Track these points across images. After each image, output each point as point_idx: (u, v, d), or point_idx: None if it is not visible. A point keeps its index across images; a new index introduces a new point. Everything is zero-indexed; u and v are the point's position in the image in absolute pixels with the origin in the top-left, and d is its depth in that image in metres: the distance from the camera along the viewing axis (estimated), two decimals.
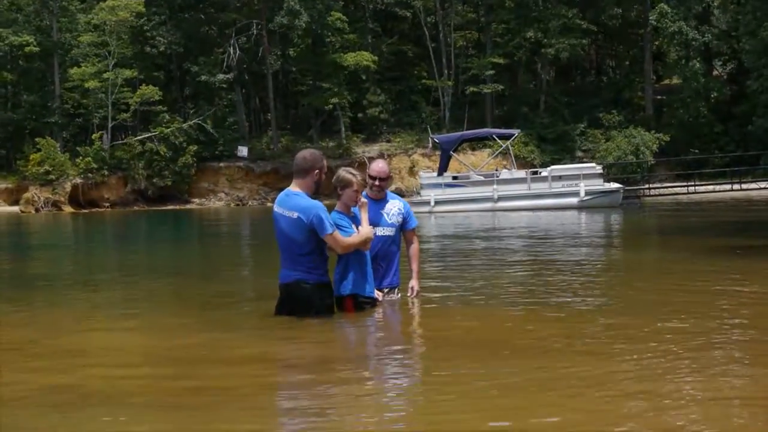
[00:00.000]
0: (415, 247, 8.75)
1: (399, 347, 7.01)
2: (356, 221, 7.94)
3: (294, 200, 7.70)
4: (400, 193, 56.98)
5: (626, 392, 5.18)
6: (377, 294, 8.19)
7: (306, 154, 7.94)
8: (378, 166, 8.59)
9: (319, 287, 7.73)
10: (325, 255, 7.78)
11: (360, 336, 7.53)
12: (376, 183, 8.48)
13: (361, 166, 60.35)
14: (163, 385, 5.78)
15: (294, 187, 7.80)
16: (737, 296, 9.19)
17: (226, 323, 8.12)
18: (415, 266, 8.67)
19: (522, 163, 50.94)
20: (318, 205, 7.63)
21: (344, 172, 8.07)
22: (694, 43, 55.77)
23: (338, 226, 7.71)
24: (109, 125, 62.04)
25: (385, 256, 8.48)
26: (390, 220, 8.50)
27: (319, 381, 5.77)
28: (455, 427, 4.66)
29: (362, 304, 7.99)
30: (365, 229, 7.88)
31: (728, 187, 45.20)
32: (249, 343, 7.32)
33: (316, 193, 7.86)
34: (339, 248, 7.72)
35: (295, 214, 7.62)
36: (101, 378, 6.00)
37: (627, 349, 6.37)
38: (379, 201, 8.51)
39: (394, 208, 8.57)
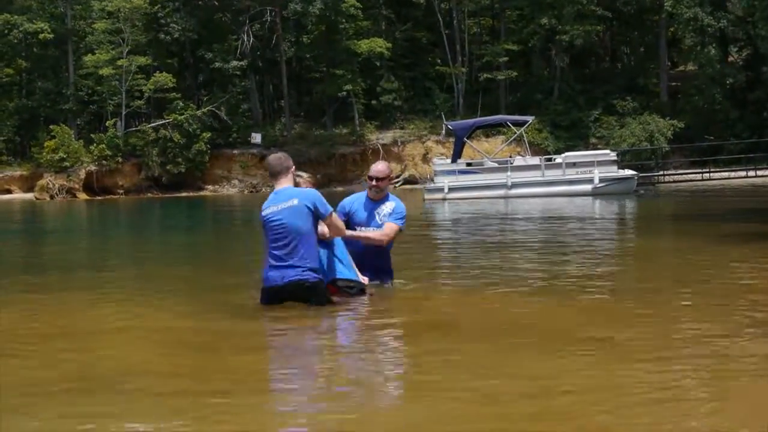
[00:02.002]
0: (384, 231, 8.50)
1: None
2: None
3: (288, 191, 7.81)
4: (414, 180, 57.37)
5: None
6: (362, 278, 8.20)
7: (279, 155, 8.15)
8: (377, 167, 8.71)
9: (319, 282, 7.79)
10: (315, 245, 7.86)
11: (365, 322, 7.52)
12: (374, 183, 8.56)
13: (374, 153, 60.43)
14: (171, 372, 5.78)
15: (281, 185, 7.88)
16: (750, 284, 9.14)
17: (236, 310, 8.11)
18: (368, 234, 8.49)
19: (536, 149, 50.74)
20: (314, 191, 7.90)
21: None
22: (709, 29, 55.38)
23: None
24: (123, 112, 62.14)
25: (376, 255, 8.55)
26: (380, 220, 8.55)
27: (331, 368, 5.77)
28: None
29: (344, 288, 8.03)
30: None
31: (743, 173, 45.01)
32: (258, 330, 7.32)
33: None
34: (337, 229, 7.91)
35: (295, 201, 7.69)
36: (110, 364, 6.00)
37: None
38: (377, 201, 8.60)
39: (387, 208, 8.61)
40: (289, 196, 7.73)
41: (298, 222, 7.63)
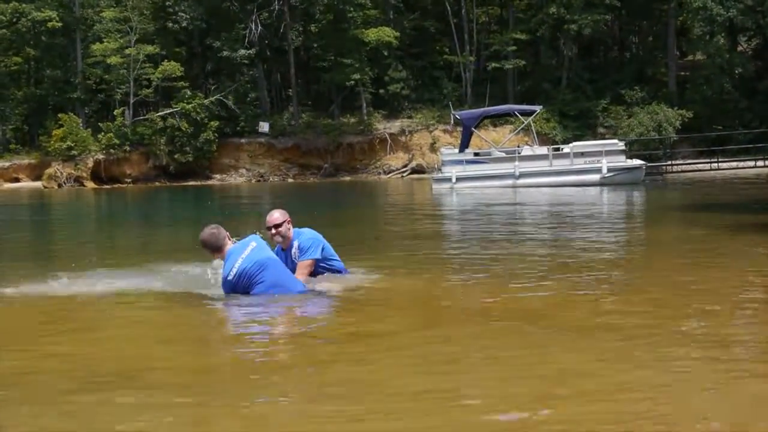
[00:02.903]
0: (299, 272, 8.60)
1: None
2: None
3: (235, 248, 8.10)
4: (422, 170, 57.34)
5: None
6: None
7: (207, 232, 8.21)
8: (273, 216, 8.78)
9: None
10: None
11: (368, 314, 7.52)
12: (272, 232, 8.70)
13: (382, 142, 60.42)
14: (175, 364, 5.78)
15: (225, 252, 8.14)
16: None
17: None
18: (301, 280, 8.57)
19: (544, 139, 50.65)
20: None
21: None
22: (718, 18, 55.14)
23: None
24: (131, 101, 62.21)
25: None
26: (296, 261, 8.68)
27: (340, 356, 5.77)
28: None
29: None
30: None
31: (752, 163, 44.88)
32: (257, 320, 7.33)
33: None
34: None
35: (253, 243, 8.11)
36: (113, 357, 6.01)
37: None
38: (288, 249, 8.75)
39: (294, 249, 8.73)
40: (244, 244, 8.01)
41: (268, 254, 8.05)
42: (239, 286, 7.81)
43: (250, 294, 7.74)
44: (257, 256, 7.84)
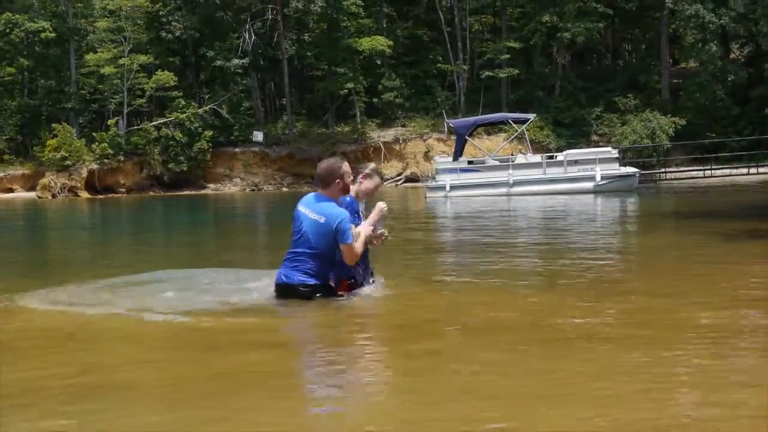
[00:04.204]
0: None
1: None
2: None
3: (322, 206, 7.80)
4: (416, 178, 57.40)
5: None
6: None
7: (324, 165, 7.99)
8: (348, 167, 8.56)
9: (316, 289, 7.79)
10: (333, 262, 7.81)
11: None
12: (360, 181, 8.50)
13: (376, 150, 60.49)
14: (175, 371, 5.80)
15: (322, 193, 7.90)
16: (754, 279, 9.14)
17: (238, 307, 8.12)
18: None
19: (537, 147, 50.81)
20: (345, 214, 7.73)
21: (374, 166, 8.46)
22: (711, 26, 55.38)
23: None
24: (125, 111, 62.26)
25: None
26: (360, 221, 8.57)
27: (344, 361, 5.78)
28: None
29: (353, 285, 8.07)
30: (366, 230, 7.98)
31: (745, 170, 45.01)
32: (260, 327, 7.34)
33: (346, 192, 7.95)
34: (350, 259, 7.77)
35: (323, 219, 7.71)
36: (109, 365, 6.02)
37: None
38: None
39: (361, 207, 8.65)
40: (320, 211, 7.75)
41: (313, 237, 7.74)
42: (293, 218, 7.91)
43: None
44: (307, 230, 7.79)
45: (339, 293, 7.91)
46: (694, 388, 4.93)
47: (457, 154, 38.92)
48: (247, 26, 62.75)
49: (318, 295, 7.77)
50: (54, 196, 58.68)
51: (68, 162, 59.89)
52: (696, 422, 4.33)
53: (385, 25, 65.26)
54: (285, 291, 7.90)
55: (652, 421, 4.35)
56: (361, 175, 8.37)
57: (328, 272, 7.86)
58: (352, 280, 8.04)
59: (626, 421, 4.35)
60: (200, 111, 61.56)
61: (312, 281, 7.77)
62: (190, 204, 44.26)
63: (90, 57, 62.38)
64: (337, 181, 7.83)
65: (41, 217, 36.40)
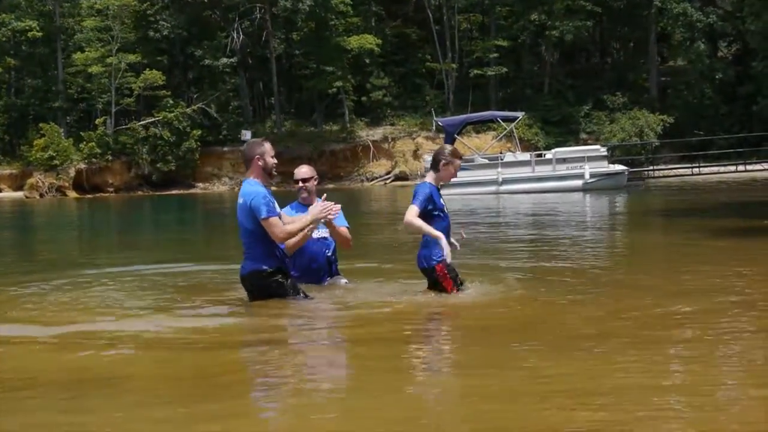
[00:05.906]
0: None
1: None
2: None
3: (243, 188, 7.80)
4: (404, 177, 57.36)
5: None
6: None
7: (242, 147, 8.07)
8: (301, 170, 8.71)
9: (272, 273, 7.66)
10: (273, 242, 7.64)
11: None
12: (299, 185, 8.63)
13: (365, 149, 60.47)
14: (165, 371, 5.77)
15: (246, 176, 7.89)
16: (744, 277, 9.15)
17: (228, 308, 8.09)
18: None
19: (526, 145, 50.84)
20: (259, 192, 7.61)
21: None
22: (698, 24, 55.56)
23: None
24: (113, 110, 62.05)
25: (324, 259, 8.68)
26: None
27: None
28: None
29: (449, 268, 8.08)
30: (305, 216, 7.91)
31: (733, 168, 45.14)
32: (246, 327, 7.31)
33: (271, 177, 7.90)
34: (275, 235, 7.58)
35: (241, 199, 7.69)
36: (104, 364, 5.98)
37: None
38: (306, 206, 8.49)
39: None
40: (241, 193, 7.76)
41: (241, 219, 7.70)
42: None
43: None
44: (238, 215, 7.78)
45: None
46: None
47: None
48: (236, 25, 62.65)
49: (277, 278, 7.64)
50: (42, 195, 58.43)
51: (56, 161, 59.65)
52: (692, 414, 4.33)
53: (373, 24, 65.20)
54: (244, 282, 7.84)
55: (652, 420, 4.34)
56: (442, 163, 8.53)
57: (274, 253, 7.69)
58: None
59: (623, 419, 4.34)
60: (188, 110, 61.42)
61: (264, 267, 7.64)
62: (179, 202, 44.18)
63: (77, 56, 62.15)
64: (256, 158, 7.73)
65: (28, 217, 36.29)
